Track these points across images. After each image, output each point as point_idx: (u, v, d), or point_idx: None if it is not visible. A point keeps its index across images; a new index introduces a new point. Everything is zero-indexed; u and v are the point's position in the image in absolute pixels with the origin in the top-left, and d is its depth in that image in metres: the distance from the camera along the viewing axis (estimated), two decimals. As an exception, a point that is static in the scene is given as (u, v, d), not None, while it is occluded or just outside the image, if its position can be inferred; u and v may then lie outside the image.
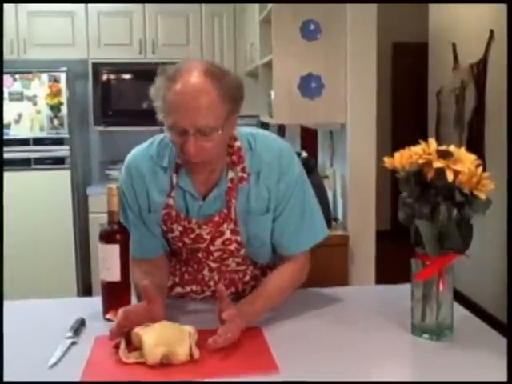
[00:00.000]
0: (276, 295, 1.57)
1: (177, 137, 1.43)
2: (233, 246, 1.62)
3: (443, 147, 1.37)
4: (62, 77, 4.15)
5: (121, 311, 1.38)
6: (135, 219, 1.63)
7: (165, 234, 1.64)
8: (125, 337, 1.35)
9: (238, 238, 1.60)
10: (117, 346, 1.34)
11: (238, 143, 1.57)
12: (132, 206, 1.62)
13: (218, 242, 1.61)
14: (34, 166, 4.17)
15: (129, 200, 1.62)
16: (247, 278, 1.71)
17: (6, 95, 4.10)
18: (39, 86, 4.13)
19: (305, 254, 1.65)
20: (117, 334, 1.35)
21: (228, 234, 1.59)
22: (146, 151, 1.62)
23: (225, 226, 1.58)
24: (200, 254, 1.65)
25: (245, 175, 1.56)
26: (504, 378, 1.21)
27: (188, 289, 1.72)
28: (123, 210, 1.63)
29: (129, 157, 1.64)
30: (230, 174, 1.56)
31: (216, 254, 1.64)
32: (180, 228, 1.60)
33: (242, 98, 1.48)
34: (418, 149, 1.38)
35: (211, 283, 1.69)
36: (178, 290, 1.73)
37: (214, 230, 1.58)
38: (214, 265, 1.67)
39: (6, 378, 1.24)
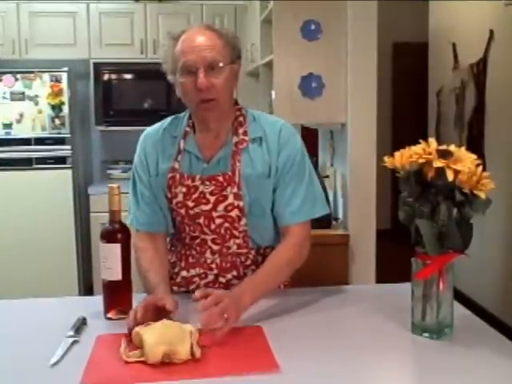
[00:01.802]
0: (273, 273, 1.60)
1: (189, 78, 1.57)
2: (234, 213, 1.66)
3: (443, 147, 1.37)
4: (64, 77, 4.16)
5: (141, 309, 1.43)
6: (144, 190, 1.72)
7: (169, 203, 1.70)
8: (125, 336, 1.36)
9: (241, 204, 1.65)
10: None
11: (243, 111, 1.72)
12: (142, 175, 1.72)
13: (221, 207, 1.66)
14: (35, 166, 4.18)
15: (139, 170, 1.73)
16: (248, 261, 1.73)
17: (7, 95, 4.11)
18: (41, 86, 4.13)
19: (303, 228, 1.68)
20: (133, 326, 1.39)
21: (231, 199, 1.65)
22: (159, 126, 1.76)
23: (228, 189, 1.64)
24: (201, 221, 1.68)
25: (246, 138, 1.67)
26: (503, 377, 1.22)
27: (193, 272, 1.75)
28: (133, 186, 1.75)
29: (144, 133, 1.78)
30: (235, 139, 1.67)
31: (218, 221, 1.68)
32: (183, 189, 1.67)
33: (240, 50, 1.67)
34: (418, 148, 1.39)
35: (213, 266, 1.73)
36: (184, 273, 1.77)
37: (217, 192, 1.65)
38: (215, 247, 1.71)
39: (7, 377, 1.25)
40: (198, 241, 1.73)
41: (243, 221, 1.68)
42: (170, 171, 1.68)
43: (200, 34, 1.59)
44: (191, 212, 1.69)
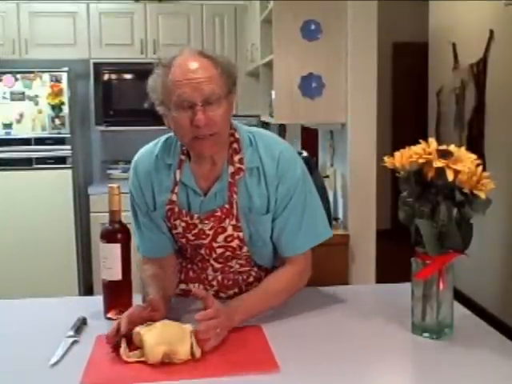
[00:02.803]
0: (270, 296, 1.57)
1: (184, 113, 1.45)
2: (235, 243, 1.62)
3: (443, 147, 1.38)
4: (64, 77, 4.16)
5: (125, 319, 1.37)
6: (145, 219, 1.66)
7: (169, 230, 1.66)
8: (125, 336, 1.36)
9: (240, 235, 1.61)
10: (114, 350, 1.34)
11: (236, 135, 1.60)
12: (140, 205, 1.65)
13: (221, 238, 1.61)
14: (35, 166, 4.18)
15: (137, 200, 1.66)
16: (251, 279, 1.71)
17: (7, 95, 4.11)
18: (41, 86, 4.13)
19: (305, 257, 1.65)
20: (114, 339, 1.35)
21: (230, 230, 1.60)
22: (151, 150, 1.65)
23: (227, 221, 1.59)
24: (203, 251, 1.66)
25: (242, 166, 1.58)
26: (504, 377, 1.22)
27: (192, 286, 1.72)
28: (134, 214, 1.68)
29: (135, 157, 1.68)
30: (231, 169, 1.57)
31: (219, 251, 1.64)
32: (183, 224, 1.62)
33: (236, 77, 1.54)
34: (418, 148, 1.39)
35: (214, 283, 1.71)
36: (182, 286, 1.75)
37: (216, 225, 1.59)
38: (217, 265, 1.69)
39: (7, 377, 1.25)
40: (199, 258, 1.69)
41: (245, 249, 1.64)
42: (167, 203, 1.61)
43: (194, 61, 1.46)
44: (192, 243, 1.65)
